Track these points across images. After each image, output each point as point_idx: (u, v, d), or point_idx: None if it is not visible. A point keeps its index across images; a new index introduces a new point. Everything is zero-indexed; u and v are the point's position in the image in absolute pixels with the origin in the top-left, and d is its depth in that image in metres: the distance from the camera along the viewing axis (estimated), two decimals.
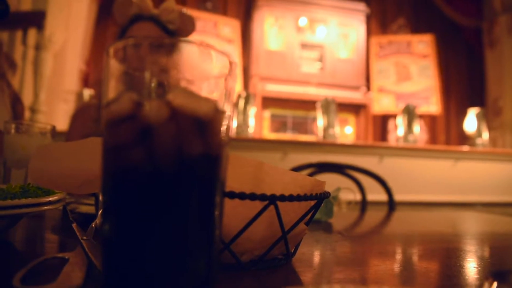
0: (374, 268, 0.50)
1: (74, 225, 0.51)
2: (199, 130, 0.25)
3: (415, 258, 0.56)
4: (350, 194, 1.21)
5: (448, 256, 0.56)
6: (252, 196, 0.37)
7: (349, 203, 1.27)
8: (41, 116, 2.72)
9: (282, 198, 0.38)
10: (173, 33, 1.22)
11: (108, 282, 0.26)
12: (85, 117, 1.19)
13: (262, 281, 0.40)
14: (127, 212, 0.25)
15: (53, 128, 0.89)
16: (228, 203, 0.36)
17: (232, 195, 0.37)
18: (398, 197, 1.64)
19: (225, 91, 0.27)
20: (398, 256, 0.58)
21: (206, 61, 0.27)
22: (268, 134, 4.86)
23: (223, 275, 0.40)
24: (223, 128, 0.27)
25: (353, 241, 0.71)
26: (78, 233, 0.47)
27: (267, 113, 4.91)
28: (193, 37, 1.39)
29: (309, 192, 0.41)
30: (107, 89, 0.26)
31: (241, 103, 2.98)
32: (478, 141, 3.56)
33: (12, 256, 0.48)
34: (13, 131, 0.85)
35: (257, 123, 3.97)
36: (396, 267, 0.50)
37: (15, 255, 0.49)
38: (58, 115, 3.35)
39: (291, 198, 0.38)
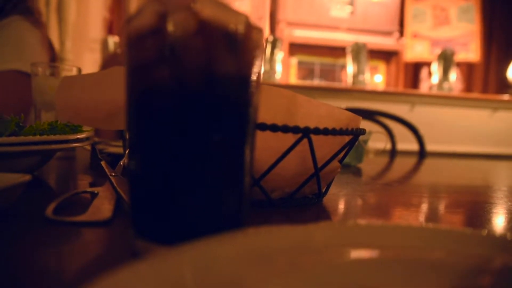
0: (400, 214, 0.48)
1: (103, 163, 0.50)
2: (229, 47, 0.23)
3: (442, 208, 0.53)
4: (379, 142, 1.17)
5: (475, 209, 0.53)
6: (285, 128, 0.34)
7: (378, 150, 1.24)
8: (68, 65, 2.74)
9: (316, 131, 0.35)
10: None
11: (135, 215, 0.25)
12: (115, 61, 1.18)
13: (292, 219, 0.39)
14: (152, 141, 0.24)
15: (79, 70, 0.88)
16: (259, 136, 0.34)
17: (263, 126, 0.34)
18: (429, 147, 1.59)
19: (260, 5, 0.24)
20: (424, 204, 0.55)
21: None
22: (295, 81, 4.75)
23: (252, 211, 0.39)
24: (257, 47, 0.24)
25: (383, 187, 0.69)
26: (106, 170, 0.47)
27: (294, 60, 4.77)
28: None
29: (344, 126, 0.38)
30: (128, 0, 0.23)
31: (268, 48, 2.88)
32: None
33: (45, 191, 0.49)
34: (40, 73, 0.84)
35: (284, 70, 3.86)
36: (422, 212, 0.48)
37: (47, 190, 0.50)
38: (85, 64, 3.37)
39: (325, 131, 0.35)
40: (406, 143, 1.62)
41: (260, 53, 0.25)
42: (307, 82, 4.66)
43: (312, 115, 0.37)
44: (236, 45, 0.23)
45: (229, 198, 0.25)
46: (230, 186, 0.25)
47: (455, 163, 1.56)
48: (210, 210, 0.24)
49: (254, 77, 0.24)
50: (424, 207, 0.52)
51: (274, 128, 0.34)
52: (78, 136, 0.51)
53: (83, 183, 0.56)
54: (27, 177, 0.35)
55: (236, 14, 0.23)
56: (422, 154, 1.48)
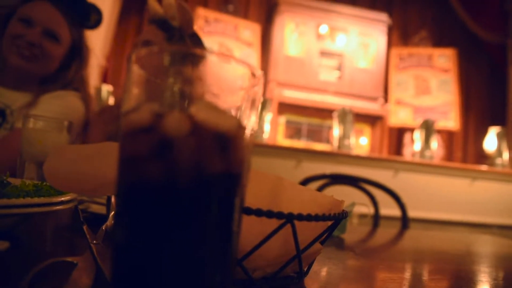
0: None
1: (84, 227, 0.50)
2: (221, 147, 0.24)
3: (425, 278, 0.54)
4: (363, 208, 1.18)
5: (458, 277, 0.54)
6: (269, 214, 0.35)
7: (361, 217, 1.24)
8: None
9: (300, 217, 0.36)
10: (175, 29, 1.20)
11: None
12: (106, 118, 1.21)
13: None
14: (140, 225, 0.24)
15: (70, 123, 0.89)
16: (244, 219, 0.34)
17: (249, 211, 0.35)
18: (411, 213, 1.60)
19: (250, 105, 0.26)
20: (408, 275, 0.56)
21: (232, 74, 0.26)
22: (282, 140, 4.83)
23: None
24: (246, 145, 0.26)
25: (365, 258, 0.69)
26: (88, 236, 0.46)
27: (282, 119, 4.90)
28: (213, 39, 1.38)
29: (327, 211, 0.39)
30: (128, 96, 0.25)
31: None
32: (498, 161, 3.46)
33: (21, 255, 0.47)
34: (31, 125, 0.85)
35: (272, 128, 3.95)
36: (406, 286, 0.48)
37: (24, 254, 0.48)
38: None
39: (309, 217, 0.36)
40: (389, 208, 1.64)
41: (250, 150, 0.26)
42: (295, 143, 4.74)
43: (296, 199, 0.38)
44: (227, 146, 0.24)
45: (215, 278, 0.25)
46: (216, 267, 0.25)
47: (435, 233, 1.57)
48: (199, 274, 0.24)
49: (242, 171, 0.26)
50: (407, 278, 0.52)
51: (259, 213, 0.35)
52: (62, 199, 0.50)
53: (62, 247, 0.55)
54: (4, 245, 0.35)
55: (228, 117, 0.25)
56: (404, 221, 1.49)
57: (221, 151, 0.24)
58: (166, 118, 0.23)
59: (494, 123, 4.18)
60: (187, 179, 0.23)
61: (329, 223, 0.41)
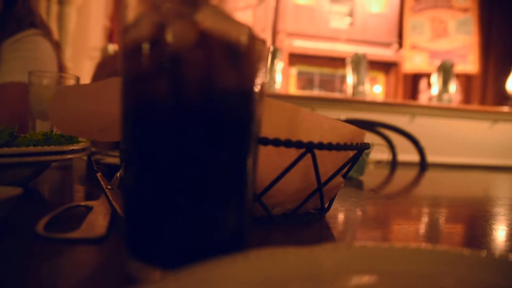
0: (403, 227, 0.46)
1: (98, 175, 0.49)
2: (232, 59, 0.21)
3: (442, 222, 0.52)
4: (379, 153, 1.16)
5: (476, 219, 0.52)
6: (288, 143, 0.33)
7: (378, 162, 1.23)
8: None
9: (320, 146, 0.34)
10: None
11: (130, 234, 0.24)
12: (108, 68, 1.18)
13: (293, 237, 0.37)
14: (149, 157, 0.22)
15: (78, 79, 0.87)
16: (261, 151, 0.32)
17: (265, 141, 0.33)
18: (429, 158, 1.58)
19: (264, 16, 0.23)
20: (426, 217, 0.54)
21: None
22: (294, 91, 4.76)
23: (252, 228, 0.37)
24: (260, 59, 0.23)
25: (385, 199, 0.67)
26: (102, 182, 0.46)
27: (293, 70, 4.79)
28: None
29: (348, 141, 0.37)
30: (125, 9, 0.22)
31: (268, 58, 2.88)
32: None
33: (38, 204, 0.47)
34: (38, 82, 0.83)
35: (283, 80, 3.87)
36: (423, 227, 0.47)
37: (40, 203, 0.48)
38: (84, 72, 3.37)
39: (330, 146, 0.34)
40: (406, 154, 1.61)
41: (264, 65, 0.23)
42: (307, 92, 4.67)
43: (315, 129, 0.36)
44: (238, 58, 0.22)
45: (230, 216, 0.23)
46: (231, 203, 0.23)
47: (455, 175, 1.54)
48: (209, 229, 0.23)
49: (257, 90, 0.23)
50: (425, 220, 0.51)
51: (276, 142, 0.33)
52: (74, 147, 0.49)
53: (78, 195, 0.54)
54: (17, 191, 0.34)
55: (239, 25, 0.22)
56: (423, 165, 1.47)
57: (233, 64, 0.21)
58: (169, 28, 0.21)
59: None
60: (196, 96, 0.21)
61: (351, 154, 0.38)
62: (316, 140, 0.34)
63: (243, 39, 0.22)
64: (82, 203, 0.41)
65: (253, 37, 0.22)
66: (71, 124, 0.37)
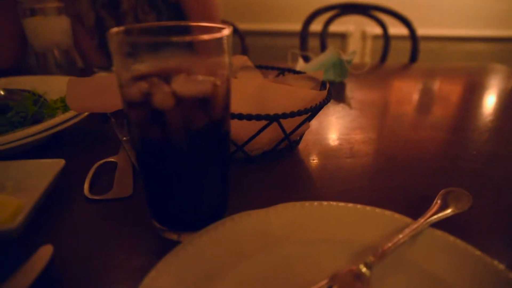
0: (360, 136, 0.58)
1: (112, 122, 0.58)
2: (202, 107, 0.30)
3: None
4: (376, 28, 1.17)
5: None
6: (258, 117, 0.43)
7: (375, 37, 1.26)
8: None
9: (284, 115, 0.43)
10: None
11: (150, 205, 0.36)
12: None
13: (271, 171, 0.50)
14: (152, 163, 0.33)
15: (63, 6, 0.89)
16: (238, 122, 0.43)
17: (240, 116, 0.43)
18: (425, 31, 1.57)
19: (223, 65, 0.30)
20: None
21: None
22: None
23: (236, 170, 0.49)
24: (224, 95, 0.31)
25: (359, 110, 0.77)
26: (118, 133, 0.55)
27: None
28: None
29: (309, 102, 0.46)
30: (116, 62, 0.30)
31: None
32: None
33: (68, 163, 0.49)
34: (28, 14, 0.86)
35: None
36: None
37: (73, 162, 0.50)
38: None
39: (292, 114, 0.44)
40: (398, 28, 1.58)
41: (227, 96, 0.32)
42: None
43: (281, 97, 0.45)
44: (207, 104, 0.30)
45: (216, 188, 0.36)
46: (217, 184, 0.35)
47: (448, 53, 1.55)
48: (203, 200, 0.35)
49: (224, 115, 0.32)
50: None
51: (249, 117, 0.42)
52: None
53: (99, 150, 0.56)
54: (62, 162, 0.45)
55: (204, 83, 0.30)
56: (414, 52, 1.44)
57: (203, 109, 0.30)
58: (154, 96, 0.29)
59: None
60: (179, 134, 0.30)
61: (315, 105, 0.47)
62: (281, 108, 0.44)
63: (208, 91, 0.30)
64: (110, 159, 0.51)
65: (216, 86, 0.30)
66: (88, 104, 0.46)
